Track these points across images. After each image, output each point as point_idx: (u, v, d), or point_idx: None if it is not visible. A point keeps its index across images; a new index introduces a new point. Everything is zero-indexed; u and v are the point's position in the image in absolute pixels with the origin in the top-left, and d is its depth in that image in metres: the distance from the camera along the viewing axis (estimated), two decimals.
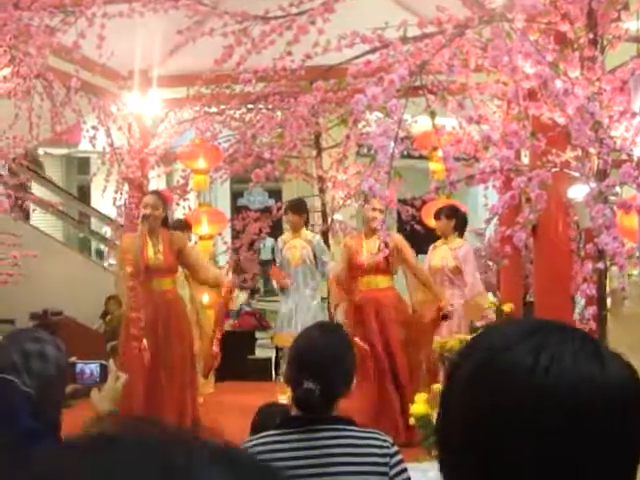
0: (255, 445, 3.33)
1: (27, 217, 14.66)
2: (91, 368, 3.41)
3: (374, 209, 8.68)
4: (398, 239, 8.96)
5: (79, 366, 3.41)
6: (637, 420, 1.31)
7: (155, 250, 8.62)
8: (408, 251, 9.03)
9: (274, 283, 11.30)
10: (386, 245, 8.11)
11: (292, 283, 10.67)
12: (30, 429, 2.98)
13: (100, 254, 19.79)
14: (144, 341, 8.38)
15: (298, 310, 10.61)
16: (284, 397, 8.93)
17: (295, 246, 10.77)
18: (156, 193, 9.09)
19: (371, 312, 8.82)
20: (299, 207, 10.90)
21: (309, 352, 3.45)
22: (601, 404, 1.29)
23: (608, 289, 6.19)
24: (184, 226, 10.83)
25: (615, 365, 1.35)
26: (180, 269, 9.09)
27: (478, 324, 8.78)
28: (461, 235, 9.93)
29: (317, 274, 10.79)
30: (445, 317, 8.96)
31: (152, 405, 8.42)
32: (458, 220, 9.89)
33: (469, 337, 7.67)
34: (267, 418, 4.98)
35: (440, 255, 9.82)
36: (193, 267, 8.95)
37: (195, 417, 8.71)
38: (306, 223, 11.03)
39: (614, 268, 5.45)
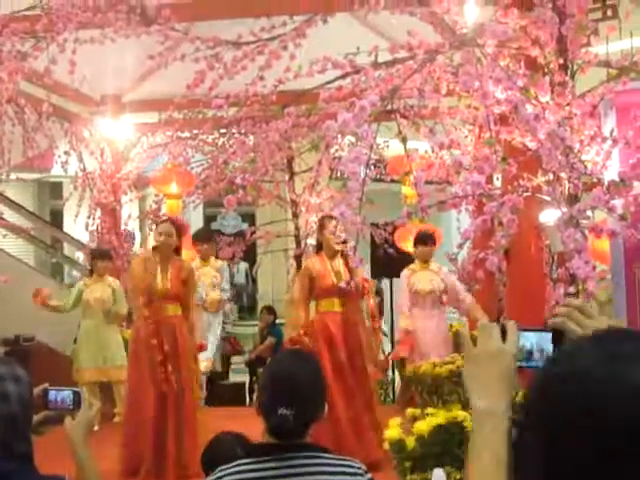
0: (229, 474, 3.30)
1: None
2: (64, 395, 3.38)
3: (332, 231, 8.71)
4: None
5: (52, 393, 3.38)
6: None
7: (163, 277, 8.63)
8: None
9: None
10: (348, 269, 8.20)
11: None
12: (0, 474, 2.94)
13: (73, 279, 19.68)
14: (168, 366, 8.44)
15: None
16: None
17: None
18: (171, 221, 9.09)
19: (338, 332, 8.78)
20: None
21: (282, 378, 3.43)
22: None
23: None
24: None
25: None
26: None
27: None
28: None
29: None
30: None
31: (160, 430, 8.51)
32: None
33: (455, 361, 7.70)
34: (221, 448, 4.92)
35: (428, 278, 9.81)
36: (186, 301, 8.94)
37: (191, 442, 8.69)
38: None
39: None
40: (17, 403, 3.05)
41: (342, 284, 8.56)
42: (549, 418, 1.42)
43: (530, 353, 2.04)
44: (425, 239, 9.89)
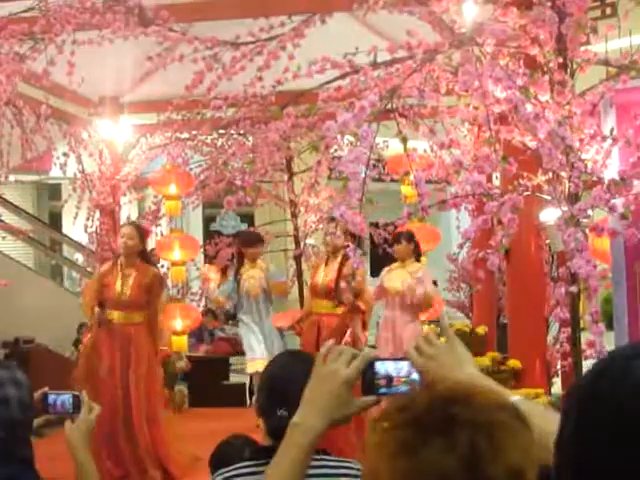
0: (230, 477, 3.29)
1: None
2: (63, 399, 3.36)
3: (328, 233, 8.76)
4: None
5: (51, 397, 3.36)
6: None
7: (123, 283, 8.58)
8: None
9: None
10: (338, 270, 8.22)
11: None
12: (1, 479, 2.93)
13: (72, 281, 19.69)
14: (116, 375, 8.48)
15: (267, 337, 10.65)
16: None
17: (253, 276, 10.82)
18: (132, 224, 9.06)
19: (323, 335, 8.80)
20: None
21: (282, 380, 3.41)
22: None
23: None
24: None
25: None
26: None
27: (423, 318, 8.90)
28: (418, 259, 9.84)
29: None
30: None
31: (110, 436, 8.45)
32: (416, 245, 9.84)
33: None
34: (230, 452, 4.91)
35: (399, 277, 9.66)
36: (150, 307, 8.89)
37: (156, 452, 8.66)
38: None
39: None
40: (17, 407, 3.05)
41: (322, 284, 8.64)
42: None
43: (390, 380, 2.10)
44: (398, 238, 9.78)
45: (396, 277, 9.60)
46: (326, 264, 9.23)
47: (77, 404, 3.35)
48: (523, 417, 1.57)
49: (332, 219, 8.69)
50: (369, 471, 1.56)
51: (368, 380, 2.11)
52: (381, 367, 2.12)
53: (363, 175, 5.22)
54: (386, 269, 9.92)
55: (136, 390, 8.58)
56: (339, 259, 8.87)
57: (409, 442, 1.49)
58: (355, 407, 2.11)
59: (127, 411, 8.55)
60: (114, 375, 8.52)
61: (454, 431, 1.48)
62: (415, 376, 2.11)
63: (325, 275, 8.95)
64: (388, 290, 9.49)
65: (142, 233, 8.84)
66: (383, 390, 2.11)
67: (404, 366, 2.12)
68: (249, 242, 10.91)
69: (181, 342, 11.78)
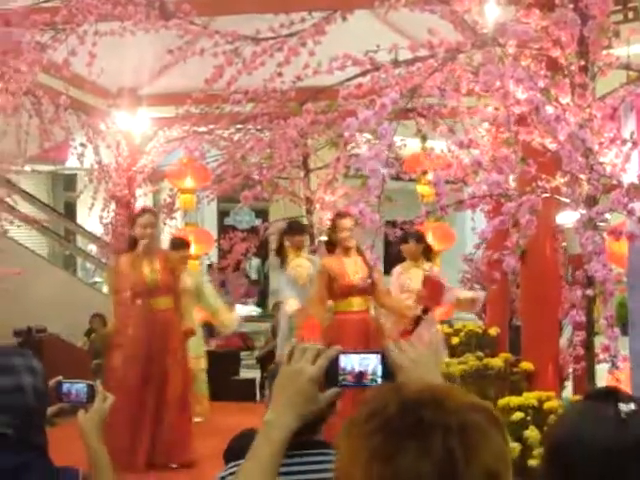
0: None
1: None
2: (78, 388, 3.36)
3: (345, 229, 8.65)
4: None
5: (65, 386, 3.36)
6: None
7: (152, 269, 8.59)
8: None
9: None
10: (367, 265, 8.13)
11: None
12: (16, 466, 2.94)
13: (85, 271, 19.75)
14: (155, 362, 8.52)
15: None
16: None
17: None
18: (151, 211, 9.05)
19: (353, 333, 8.73)
20: None
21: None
22: None
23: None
24: (181, 245, 10.71)
25: None
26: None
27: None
28: (427, 259, 9.83)
29: None
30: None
31: (136, 423, 8.46)
32: (425, 245, 9.85)
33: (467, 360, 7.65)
34: (244, 446, 4.89)
35: (419, 277, 9.64)
36: (176, 290, 8.91)
37: (182, 438, 8.69)
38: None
39: None
40: (33, 395, 3.05)
41: (360, 281, 8.53)
42: None
43: (354, 373, 2.16)
44: (406, 237, 9.76)
45: (416, 277, 9.61)
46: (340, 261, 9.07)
47: (91, 393, 3.35)
48: (496, 418, 1.57)
49: (344, 215, 8.58)
50: (343, 475, 1.55)
51: (332, 374, 2.16)
52: (346, 361, 2.17)
53: (383, 173, 5.21)
54: (399, 269, 9.91)
55: (174, 376, 8.66)
56: (354, 256, 8.78)
57: (383, 448, 1.48)
58: (321, 402, 2.18)
59: (161, 396, 8.62)
60: (153, 362, 8.54)
61: (427, 435, 1.47)
62: (379, 371, 2.15)
63: (355, 272, 8.83)
64: (412, 290, 9.52)
65: (158, 218, 8.88)
66: (346, 383, 2.17)
67: (370, 360, 2.16)
68: (295, 230, 10.86)
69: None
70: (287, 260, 10.69)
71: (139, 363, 8.51)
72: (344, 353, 2.18)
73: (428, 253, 9.94)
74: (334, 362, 2.17)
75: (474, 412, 1.53)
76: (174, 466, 8.55)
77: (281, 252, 10.83)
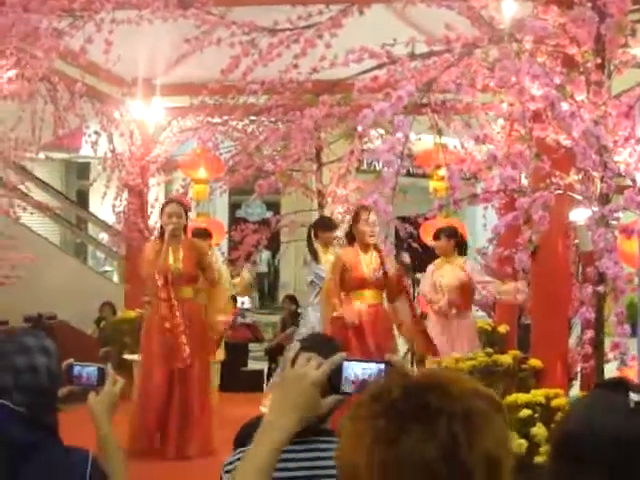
0: None
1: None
2: (88, 371, 3.38)
3: (368, 223, 8.67)
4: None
5: (76, 368, 3.38)
6: None
7: (175, 258, 8.64)
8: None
9: None
10: (381, 260, 8.14)
11: None
12: (28, 444, 2.96)
13: (96, 260, 19.80)
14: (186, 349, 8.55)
15: None
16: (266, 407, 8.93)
17: None
18: (177, 201, 9.10)
19: (367, 325, 8.76)
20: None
21: None
22: None
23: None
24: (203, 235, 10.72)
25: None
26: None
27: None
28: (460, 254, 9.87)
29: None
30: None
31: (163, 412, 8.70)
32: (457, 240, 9.85)
33: (476, 357, 7.65)
34: (253, 432, 4.89)
35: (454, 274, 9.68)
36: (207, 279, 9.02)
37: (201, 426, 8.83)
38: None
39: None
40: (45, 375, 3.07)
41: (372, 275, 8.57)
42: None
43: (356, 381, 2.19)
44: (438, 234, 9.82)
45: (450, 274, 9.64)
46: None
47: (102, 377, 3.36)
48: (498, 404, 1.58)
49: (368, 208, 8.57)
50: (345, 462, 1.57)
51: (334, 380, 2.19)
52: (349, 368, 2.20)
53: (397, 165, 5.22)
54: (432, 267, 9.93)
55: (199, 365, 8.84)
56: (372, 250, 8.81)
57: (386, 431, 1.50)
58: (323, 407, 2.21)
59: (185, 384, 8.77)
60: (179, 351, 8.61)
61: (432, 419, 1.49)
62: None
63: (369, 265, 8.86)
64: (446, 286, 9.57)
65: (185, 209, 8.93)
66: (348, 391, 2.20)
67: (373, 369, 2.19)
68: (326, 227, 10.87)
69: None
70: (319, 256, 10.69)
71: (165, 352, 8.69)
72: (348, 360, 2.21)
73: (461, 247, 9.95)
74: (337, 369, 2.19)
75: (478, 398, 1.56)
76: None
77: (312, 247, 10.82)
